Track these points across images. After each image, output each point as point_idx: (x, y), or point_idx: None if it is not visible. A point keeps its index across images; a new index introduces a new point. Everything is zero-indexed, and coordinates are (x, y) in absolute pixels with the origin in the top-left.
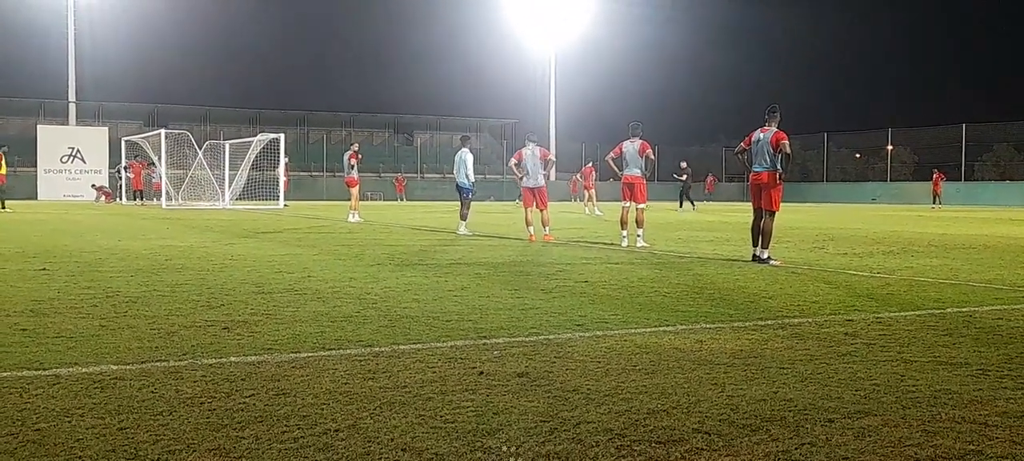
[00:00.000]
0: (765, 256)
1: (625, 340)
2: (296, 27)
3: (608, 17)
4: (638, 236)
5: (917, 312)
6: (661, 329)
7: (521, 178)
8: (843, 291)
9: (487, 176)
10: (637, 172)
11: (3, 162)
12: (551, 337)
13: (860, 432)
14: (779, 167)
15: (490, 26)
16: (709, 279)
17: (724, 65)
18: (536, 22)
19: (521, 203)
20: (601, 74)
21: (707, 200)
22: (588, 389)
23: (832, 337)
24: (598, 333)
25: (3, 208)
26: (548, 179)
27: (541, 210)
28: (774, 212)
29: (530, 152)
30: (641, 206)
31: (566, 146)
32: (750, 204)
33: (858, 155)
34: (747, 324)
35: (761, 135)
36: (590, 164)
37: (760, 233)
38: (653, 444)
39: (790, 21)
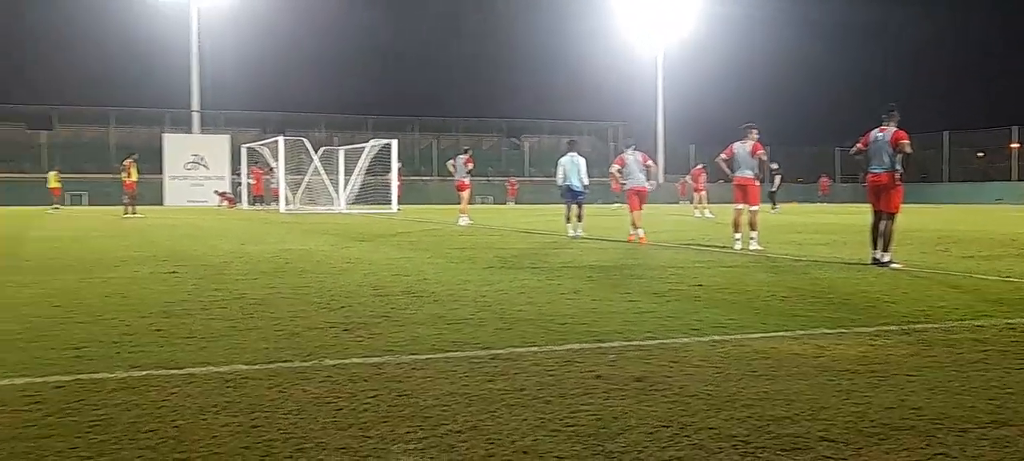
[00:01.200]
0: (886, 259)
1: (743, 345)
2: (407, 35)
3: (717, 14)
4: (751, 239)
5: None
6: (780, 334)
7: (623, 184)
8: (971, 295)
9: (594, 179)
10: (750, 174)
11: (134, 169)
12: (667, 342)
13: (996, 442)
14: (898, 167)
15: (596, 28)
16: (828, 283)
17: (838, 63)
18: (643, 22)
19: (627, 207)
20: (709, 73)
21: (821, 202)
22: (708, 394)
23: (961, 344)
24: (715, 338)
25: (135, 213)
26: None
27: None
28: (894, 214)
29: (632, 158)
30: (754, 208)
31: (674, 147)
32: (866, 205)
33: (980, 154)
34: (870, 330)
35: (879, 134)
36: (699, 165)
37: (880, 235)
38: (778, 452)
39: (906, 16)
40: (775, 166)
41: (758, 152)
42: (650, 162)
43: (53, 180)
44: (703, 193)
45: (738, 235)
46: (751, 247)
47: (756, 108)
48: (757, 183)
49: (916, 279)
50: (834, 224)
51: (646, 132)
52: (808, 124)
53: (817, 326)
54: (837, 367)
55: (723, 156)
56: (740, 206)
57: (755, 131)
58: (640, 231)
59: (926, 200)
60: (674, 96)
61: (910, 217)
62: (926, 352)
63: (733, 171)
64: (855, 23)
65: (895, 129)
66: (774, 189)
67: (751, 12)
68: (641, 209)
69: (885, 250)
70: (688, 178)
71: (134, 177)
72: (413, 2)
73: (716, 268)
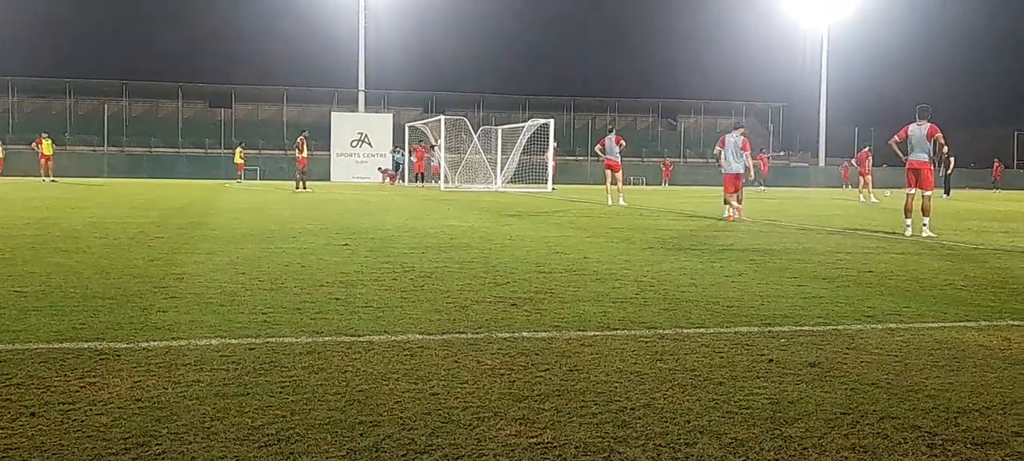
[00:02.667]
0: None
1: (921, 334)
2: (564, 15)
3: None
4: (924, 225)
5: None
6: (962, 324)
7: (721, 165)
8: None
9: (753, 162)
10: (924, 157)
11: (305, 146)
12: (840, 327)
13: None
14: None
15: (758, 3)
16: (1010, 272)
17: (1019, 39)
18: None
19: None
20: (878, 50)
21: (993, 188)
22: (888, 383)
23: None
24: (891, 326)
25: (305, 188)
26: (747, 170)
27: (736, 191)
28: None
29: (732, 141)
30: (928, 193)
31: (837, 130)
32: None
33: None
34: None
35: None
36: (867, 148)
37: None
38: (969, 446)
39: None
40: (945, 150)
41: (935, 135)
42: (748, 150)
43: (238, 156)
44: (869, 177)
45: (909, 221)
46: (924, 234)
47: (925, 89)
48: (931, 167)
49: None
50: (1013, 212)
51: (808, 113)
52: (983, 105)
53: (1002, 317)
54: None
55: (897, 138)
56: (912, 190)
57: (930, 113)
58: (737, 208)
59: None
60: (838, 76)
61: None
62: None
63: (906, 154)
64: None
65: None
66: (949, 172)
67: None
68: (738, 191)
69: None
70: (853, 162)
71: (304, 153)
72: None
73: (886, 254)
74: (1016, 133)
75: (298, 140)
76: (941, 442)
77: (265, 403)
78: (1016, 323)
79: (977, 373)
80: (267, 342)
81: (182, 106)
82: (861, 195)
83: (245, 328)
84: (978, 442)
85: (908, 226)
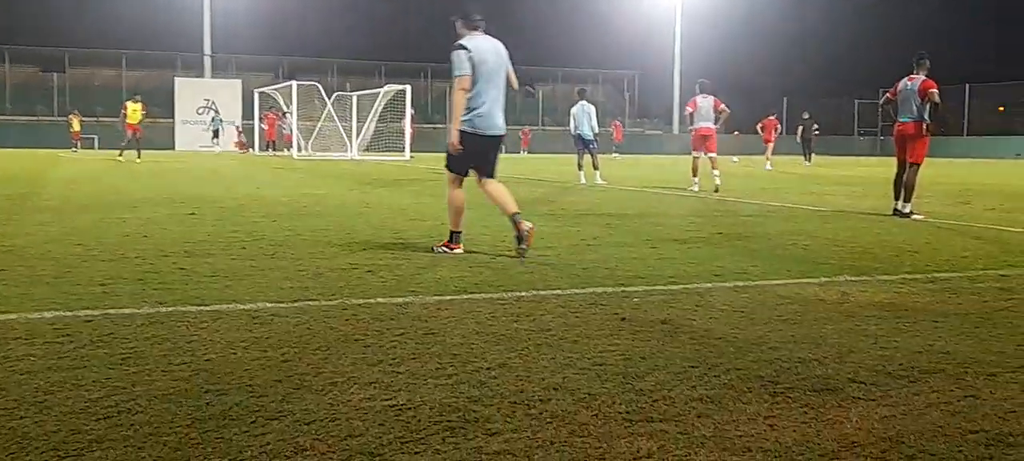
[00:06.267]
0: (907, 210)
1: (766, 291)
2: None
3: None
4: (716, 177)
5: None
6: (803, 281)
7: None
8: (994, 246)
9: (607, 129)
10: (711, 124)
11: (130, 110)
12: (690, 286)
13: None
14: (926, 117)
15: None
16: (849, 233)
17: (862, 12)
18: None
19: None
20: (731, 23)
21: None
22: (734, 337)
23: (986, 292)
24: (738, 283)
25: (137, 158)
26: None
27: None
28: (918, 164)
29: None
30: (713, 155)
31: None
32: (884, 158)
33: (1001, 108)
34: (894, 278)
35: (908, 84)
36: (773, 115)
37: (903, 186)
38: (808, 392)
39: None
40: (806, 116)
41: (719, 106)
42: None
43: (74, 123)
44: (771, 144)
45: (696, 179)
46: (716, 186)
47: (779, 59)
48: (715, 132)
49: (938, 230)
50: (854, 176)
51: (662, 82)
52: (834, 75)
53: (840, 273)
54: (863, 313)
55: (689, 109)
56: (698, 153)
57: (710, 86)
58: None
59: (945, 154)
60: (693, 46)
61: (928, 169)
62: (952, 299)
63: (693, 123)
64: None
65: (924, 78)
66: (811, 139)
67: None
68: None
69: (907, 200)
70: (758, 128)
71: (138, 119)
72: None
73: (737, 217)
74: (857, 101)
75: (125, 104)
76: (782, 390)
77: (103, 375)
78: (852, 279)
79: (816, 326)
80: (106, 314)
81: (9, 70)
82: (767, 163)
83: (81, 300)
84: (816, 389)
85: (695, 183)
